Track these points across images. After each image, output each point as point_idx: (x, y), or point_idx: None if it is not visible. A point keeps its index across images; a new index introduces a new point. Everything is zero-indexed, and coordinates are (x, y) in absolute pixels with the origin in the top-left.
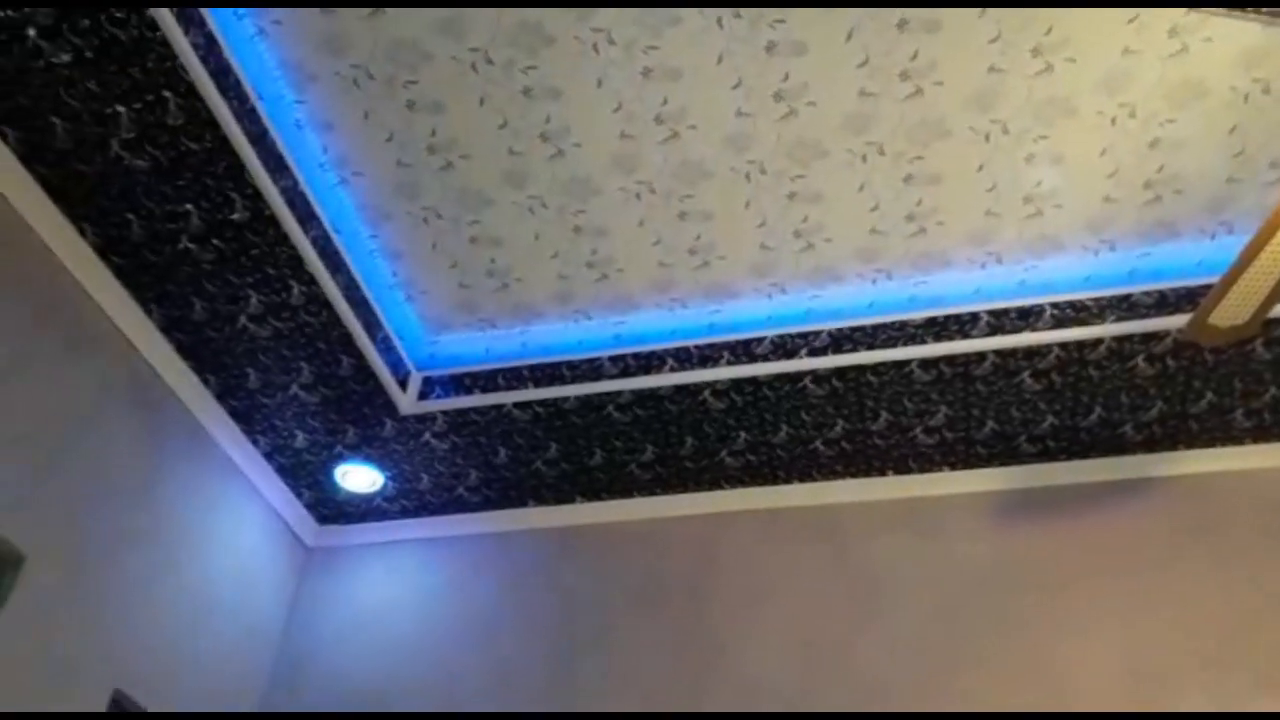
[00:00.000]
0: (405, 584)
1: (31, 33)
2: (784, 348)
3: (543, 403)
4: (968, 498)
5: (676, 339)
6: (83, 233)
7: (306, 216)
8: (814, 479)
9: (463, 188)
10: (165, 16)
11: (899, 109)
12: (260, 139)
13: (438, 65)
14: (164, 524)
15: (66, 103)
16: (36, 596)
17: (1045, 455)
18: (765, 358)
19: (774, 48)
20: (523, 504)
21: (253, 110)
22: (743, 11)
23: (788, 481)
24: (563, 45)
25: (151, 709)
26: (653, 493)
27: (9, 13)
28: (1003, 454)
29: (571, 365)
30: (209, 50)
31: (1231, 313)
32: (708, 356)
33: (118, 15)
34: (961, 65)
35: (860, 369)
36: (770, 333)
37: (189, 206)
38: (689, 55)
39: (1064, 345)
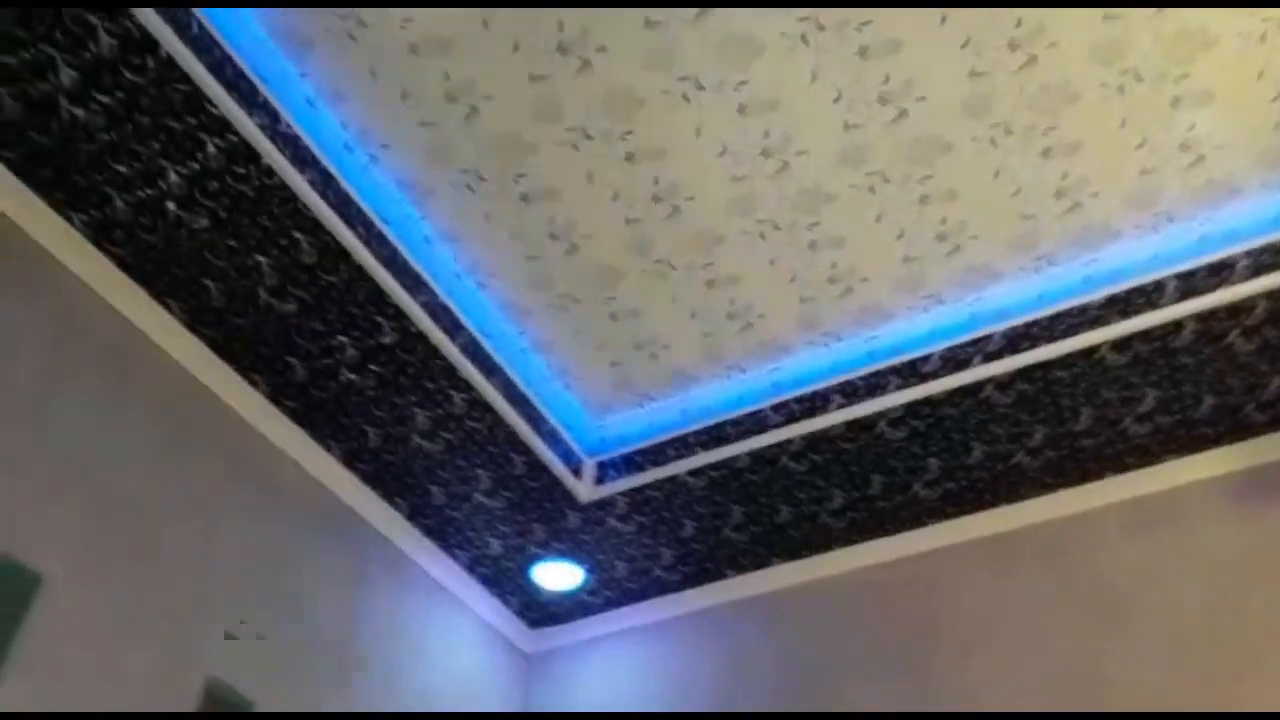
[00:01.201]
0: (625, 677)
1: (171, 206)
2: (954, 359)
3: (714, 466)
4: (1200, 485)
5: (837, 374)
6: (254, 384)
7: (452, 327)
8: (1022, 496)
9: (592, 267)
10: (281, 162)
11: (1016, 81)
12: (393, 260)
13: (541, 152)
14: (380, 652)
15: (212, 263)
16: None
17: None
18: (935, 375)
19: (866, 51)
20: (721, 576)
21: (380, 234)
22: (826, 22)
23: (994, 504)
24: (654, 103)
25: None
26: (851, 541)
27: (149, 191)
28: (1231, 429)
29: (735, 422)
30: (327, 186)
31: None
32: (874, 385)
33: (240, 171)
34: (1072, 22)
35: (1045, 366)
36: (936, 348)
37: (341, 339)
38: (781, 81)
39: (1269, 294)
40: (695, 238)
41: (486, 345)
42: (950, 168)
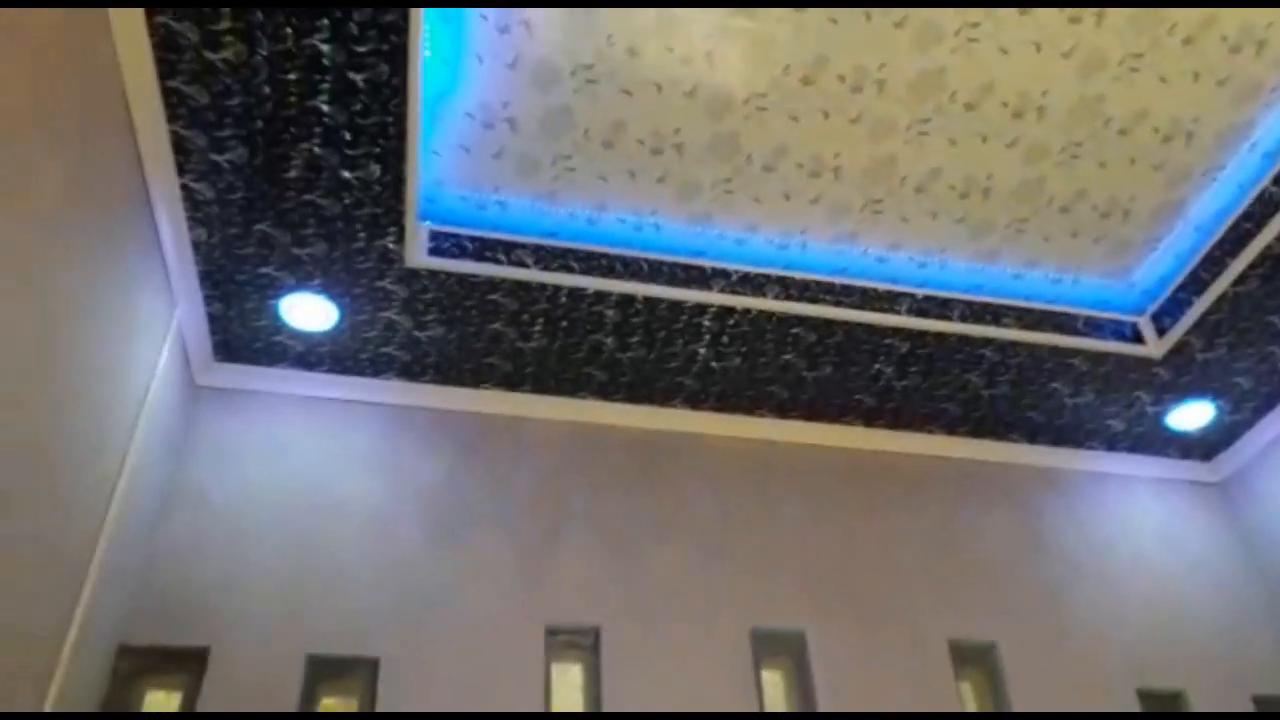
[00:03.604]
0: None
1: (713, 365)
2: None
3: (1252, 265)
4: None
5: None
6: (929, 431)
7: (940, 308)
8: None
9: (1013, 191)
10: (751, 301)
11: None
12: (862, 300)
13: (902, 156)
14: (1094, 556)
15: (810, 378)
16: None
17: None
18: None
19: None
20: None
21: (844, 286)
22: None
23: None
24: (952, 63)
25: None
26: None
27: (693, 365)
28: None
29: (1246, 216)
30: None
31: None
32: None
33: (730, 322)
34: None
35: None
36: None
37: (877, 366)
38: None
39: None
40: (1075, 114)
41: (981, 298)
42: None
